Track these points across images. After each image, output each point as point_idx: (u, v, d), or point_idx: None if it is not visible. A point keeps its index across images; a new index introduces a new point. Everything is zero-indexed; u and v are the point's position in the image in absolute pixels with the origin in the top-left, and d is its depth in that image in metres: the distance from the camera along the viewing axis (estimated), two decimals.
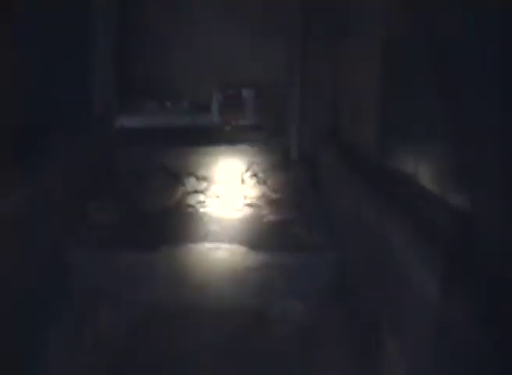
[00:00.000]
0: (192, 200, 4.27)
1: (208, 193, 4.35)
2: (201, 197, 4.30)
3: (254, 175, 4.45)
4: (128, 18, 5.68)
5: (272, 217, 4.02)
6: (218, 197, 4.33)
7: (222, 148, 4.56)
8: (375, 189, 3.21)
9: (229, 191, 4.36)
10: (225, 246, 3.63)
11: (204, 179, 4.45)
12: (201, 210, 4.20)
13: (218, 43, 5.75)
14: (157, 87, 5.77)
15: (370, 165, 3.56)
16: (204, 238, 3.72)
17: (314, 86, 4.63)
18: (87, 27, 4.75)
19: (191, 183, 4.39)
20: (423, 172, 2.83)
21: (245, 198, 4.30)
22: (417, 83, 2.88)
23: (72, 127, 4.10)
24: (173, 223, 3.97)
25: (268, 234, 3.79)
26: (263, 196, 4.29)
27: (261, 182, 4.39)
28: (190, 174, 4.46)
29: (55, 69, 3.98)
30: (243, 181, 4.43)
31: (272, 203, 4.21)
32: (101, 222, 3.87)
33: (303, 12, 4.62)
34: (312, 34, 4.60)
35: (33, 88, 3.68)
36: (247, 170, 4.49)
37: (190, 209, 4.20)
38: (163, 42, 5.89)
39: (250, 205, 4.23)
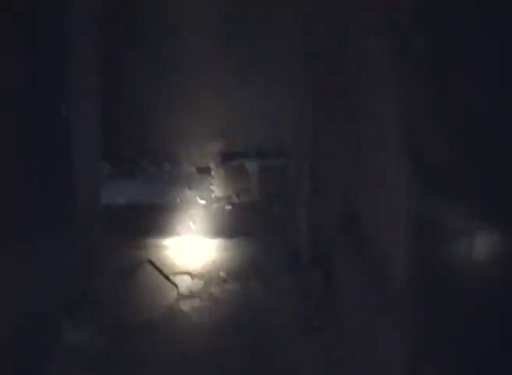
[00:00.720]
0: (185, 306, 3.74)
1: (205, 296, 3.82)
2: (197, 301, 3.77)
3: (258, 278, 3.90)
4: (119, 71, 5.13)
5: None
6: (216, 302, 3.80)
7: (222, 240, 4.02)
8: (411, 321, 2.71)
9: (229, 294, 3.82)
10: None
11: (201, 277, 3.91)
12: (196, 319, 3.68)
13: (222, 101, 5.19)
14: (154, 148, 5.22)
15: (400, 279, 3.01)
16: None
17: (328, 163, 4.09)
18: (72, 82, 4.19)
19: (185, 282, 3.86)
20: None
21: (247, 306, 3.77)
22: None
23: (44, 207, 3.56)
24: (159, 340, 3.45)
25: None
26: (266, 307, 3.74)
27: (265, 287, 3.85)
28: (184, 271, 3.92)
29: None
30: (245, 284, 3.88)
31: (276, 318, 3.66)
32: (77, 341, 3.35)
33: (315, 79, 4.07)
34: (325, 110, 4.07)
35: None
36: (248, 271, 3.94)
37: (182, 318, 3.68)
38: (158, 96, 5.33)
39: (251, 317, 3.70)
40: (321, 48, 4.07)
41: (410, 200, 2.91)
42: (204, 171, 5.08)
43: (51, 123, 3.92)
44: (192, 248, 4.01)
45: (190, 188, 4.79)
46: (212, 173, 4.94)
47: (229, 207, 4.50)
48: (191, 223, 4.21)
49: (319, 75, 4.10)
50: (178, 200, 4.64)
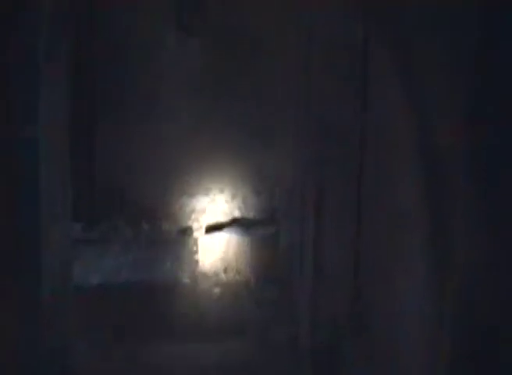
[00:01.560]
0: None
1: None
2: None
3: None
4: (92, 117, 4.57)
5: None
6: None
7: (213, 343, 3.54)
8: None
9: None
10: None
11: None
12: None
13: (203, 153, 4.68)
14: (130, 206, 4.69)
15: None
16: None
17: (335, 234, 3.57)
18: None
19: None
20: None
21: None
22: None
23: None
24: None
25: None
26: None
27: None
28: None
29: None
30: None
31: None
32: None
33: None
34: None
35: None
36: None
37: None
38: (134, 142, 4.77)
39: None
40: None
41: (432, 288, 2.50)
42: (186, 233, 4.61)
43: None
44: (179, 352, 3.50)
45: (171, 259, 4.30)
46: (194, 235, 4.49)
47: (217, 290, 4.01)
48: (177, 319, 3.70)
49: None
50: (161, 275, 4.15)
